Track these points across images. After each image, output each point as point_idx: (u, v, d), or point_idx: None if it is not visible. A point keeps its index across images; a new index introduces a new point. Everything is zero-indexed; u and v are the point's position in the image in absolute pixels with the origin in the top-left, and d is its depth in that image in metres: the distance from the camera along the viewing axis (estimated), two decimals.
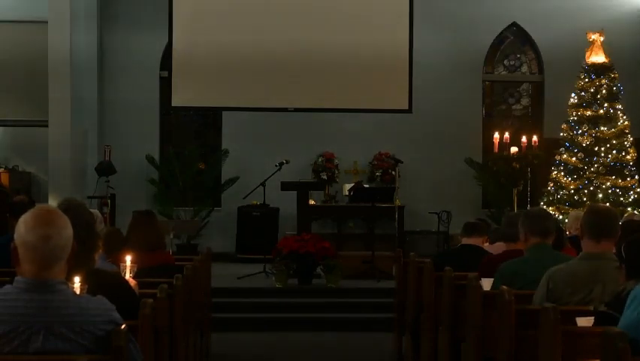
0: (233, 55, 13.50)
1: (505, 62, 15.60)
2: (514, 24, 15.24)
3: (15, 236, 2.81)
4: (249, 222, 13.70)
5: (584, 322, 3.77)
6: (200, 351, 7.08)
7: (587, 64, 12.74)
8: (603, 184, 12.23)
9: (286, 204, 12.99)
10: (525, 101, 15.72)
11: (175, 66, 13.45)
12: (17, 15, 13.84)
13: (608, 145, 12.39)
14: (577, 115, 12.64)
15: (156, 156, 14.79)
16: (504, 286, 4.24)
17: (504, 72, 15.63)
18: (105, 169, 13.70)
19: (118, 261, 4.84)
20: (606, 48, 12.78)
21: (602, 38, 12.75)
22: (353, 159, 14.75)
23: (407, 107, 13.59)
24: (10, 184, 13.82)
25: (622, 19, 14.76)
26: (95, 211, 6.38)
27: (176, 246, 13.26)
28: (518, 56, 15.58)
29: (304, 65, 13.52)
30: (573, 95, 12.84)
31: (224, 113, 14.86)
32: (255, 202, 13.20)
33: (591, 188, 12.25)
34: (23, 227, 2.79)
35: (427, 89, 14.26)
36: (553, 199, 12.51)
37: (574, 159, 12.51)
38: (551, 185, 12.65)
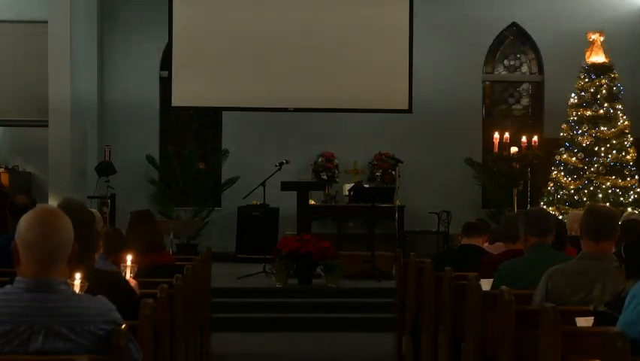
0: (234, 55, 13.51)
1: (505, 62, 15.60)
2: (514, 24, 15.24)
3: (16, 236, 2.81)
4: (249, 222, 13.69)
5: (584, 322, 3.78)
6: (200, 351, 7.07)
7: (587, 64, 12.73)
8: (603, 184, 12.22)
9: (286, 204, 13.00)
10: (525, 101, 15.72)
11: (175, 66, 13.47)
12: (17, 15, 13.83)
13: (608, 145, 12.39)
14: (577, 115, 12.63)
15: (156, 156, 14.79)
16: (504, 286, 4.24)
17: (504, 72, 15.63)
18: (105, 169, 13.70)
19: (118, 261, 4.84)
20: (606, 48, 12.77)
21: (602, 38, 12.74)
22: (353, 159, 14.75)
23: (407, 107, 13.60)
24: (10, 184, 13.83)
25: (622, 19, 14.76)
26: (95, 211, 6.37)
27: (176, 246, 13.26)
28: (518, 56, 15.58)
29: (304, 65, 13.53)
30: (573, 95, 12.83)
31: (224, 113, 14.87)
32: (255, 202, 13.19)
33: (591, 188, 12.24)
34: (24, 226, 2.79)
35: (427, 89, 14.26)
36: (553, 199, 12.50)
37: (574, 159, 12.50)
38: (551, 185, 12.64)
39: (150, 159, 14.58)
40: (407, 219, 13.66)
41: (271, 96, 13.53)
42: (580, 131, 12.54)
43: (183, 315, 5.39)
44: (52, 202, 11.19)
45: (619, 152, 12.37)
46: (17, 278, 2.81)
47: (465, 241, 6.70)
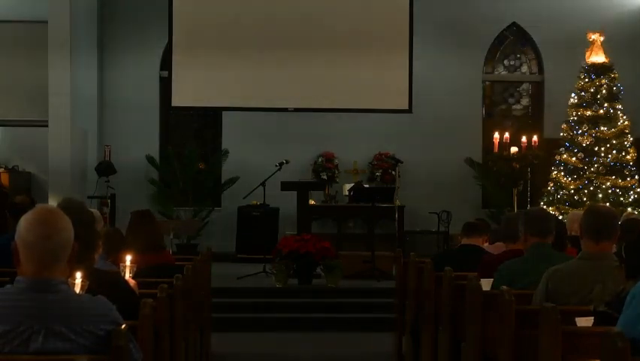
0: (234, 55, 13.51)
1: (505, 62, 15.60)
2: (514, 24, 15.24)
3: (16, 236, 2.81)
4: (249, 222, 13.69)
5: (584, 322, 3.77)
6: (200, 351, 7.07)
7: (587, 64, 12.74)
8: (603, 184, 12.22)
9: (286, 204, 12.99)
10: (525, 101, 15.72)
11: (175, 66, 13.47)
12: (17, 15, 13.83)
13: (608, 145, 12.39)
14: (577, 115, 12.64)
15: (156, 156, 14.79)
16: (504, 286, 4.24)
17: (504, 72, 15.64)
18: (105, 169, 13.70)
19: (118, 261, 4.84)
20: (606, 48, 12.77)
21: (602, 38, 12.74)
22: (353, 159, 14.75)
23: (407, 107, 13.60)
24: (10, 184, 13.83)
25: (622, 19, 14.76)
26: (95, 211, 6.38)
27: (176, 246, 13.26)
28: (518, 56, 15.58)
29: (304, 64, 13.53)
30: (573, 95, 12.83)
31: (224, 113, 14.87)
32: (255, 202, 13.19)
33: (591, 188, 12.25)
34: (24, 226, 2.79)
35: (427, 89, 14.26)
36: (553, 199, 12.50)
37: (574, 159, 12.51)
38: (551, 185, 12.65)
39: (150, 159, 14.58)
40: (407, 219, 13.66)
41: (271, 96, 13.53)
42: (580, 131, 12.54)
43: (183, 315, 5.38)
44: (52, 202, 11.19)
45: (619, 152, 12.37)
46: (17, 278, 2.81)
47: (465, 241, 6.70)
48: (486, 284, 5.00)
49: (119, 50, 14.79)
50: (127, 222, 6.20)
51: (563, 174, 12.55)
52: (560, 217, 11.45)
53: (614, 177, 12.27)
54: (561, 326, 3.59)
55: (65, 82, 13.09)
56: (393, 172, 13.59)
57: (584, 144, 12.45)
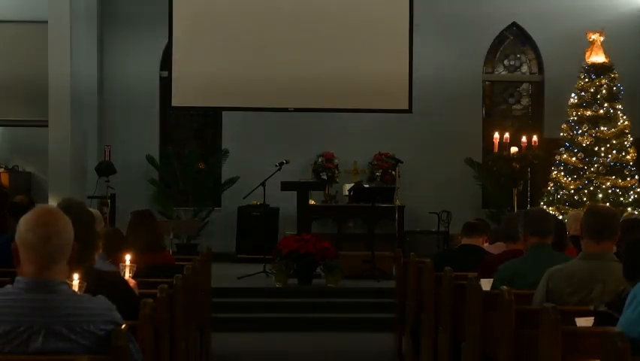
0: (234, 54, 13.51)
1: (505, 62, 15.60)
2: (514, 24, 15.24)
3: (16, 236, 2.81)
4: (249, 222, 13.69)
5: (584, 322, 3.77)
6: (200, 351, 7.07)
7: (587, 64, 12.74)
8: (603, 184, 12.22)
9: (286, 204, 13.00)
10: (525, 101, 15.72)
11: (175, 66, 13.47)
12: (17, 15, 13.83)
13: (608, 145, 12.39)
14: (577, 115, 12.64)
15: (156, 156, 14.79)
16: (504, 286, 4.24)
17: (504, 72, 15.63)
18: (105, 169, 13.69)
19: (118, 261, 4.84)
20: (606, 48, 12.77)
21: (602, 38, 12.74)
22: (353, 159, 14.75)
23: (407, 107, 13.60)
24: (10, 184, 13.82)
25: (622, 19, 14.76)
26: (95, 211, 6.38)
27: (176, 246, 13.26)
28: (518, 56, 15.58)
29: (305, 64, 13.52)
30: (573, 95, 12.84)
31: (224, 113, 14.87)
32: (255, 202, 13.19)
33: (591, 188, 12.25)
34: (24, 227, 2.79)
35: (427, 88, 14.26)
36: (553, 199, 12.50)
37: (574, 159, 12.51)
38: (551, 185, 12.65)
39: (150, 159, 14.58)
40: (407, 219, 13.65)
41: (271, 96, 13.53)
42: (580, 131, 12.54)
43: (183, 315, 5.39)
44: (52, 202, 11.19)
45: (619, 152, 12.38)
46: (17, 278, 2.81)
47: (465, 241, 6.70)
48: (486, 284, 5.00)
49: (118, 49, 14.79)
50: (127, 222, 6.20)
51: (562, 174, 12.55)
52: (560, 217, 11.44)
53: (614, 177, 12.27)
54: (561, 326, 3.59)
55: (65, 82, 13.09)
56: (393, 172, 13.59)
57: (584, 144, 12.45)
